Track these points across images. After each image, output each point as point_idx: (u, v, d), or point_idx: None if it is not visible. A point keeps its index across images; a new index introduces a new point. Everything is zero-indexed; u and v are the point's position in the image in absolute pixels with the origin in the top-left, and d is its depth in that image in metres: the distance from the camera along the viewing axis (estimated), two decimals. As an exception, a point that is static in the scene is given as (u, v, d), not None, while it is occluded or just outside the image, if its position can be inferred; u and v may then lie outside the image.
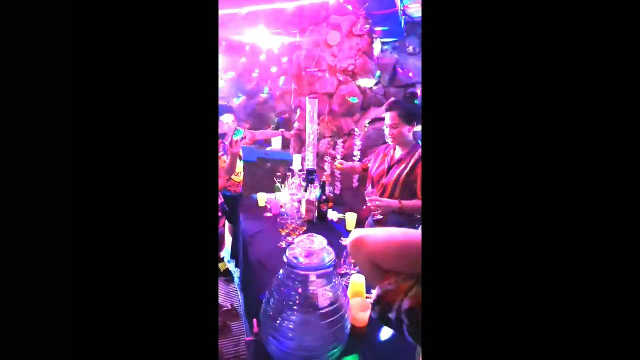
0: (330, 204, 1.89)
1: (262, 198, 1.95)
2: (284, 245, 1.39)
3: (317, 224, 1.73)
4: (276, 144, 3.65)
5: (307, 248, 0.78)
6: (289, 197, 1.88)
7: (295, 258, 0.77)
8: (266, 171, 3.74)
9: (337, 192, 2.45)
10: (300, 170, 1.93)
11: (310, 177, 1.76)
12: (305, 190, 1.95)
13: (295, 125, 2.71)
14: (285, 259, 0.77)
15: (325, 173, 2.09)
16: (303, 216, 1.68)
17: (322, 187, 1.76)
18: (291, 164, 1.86)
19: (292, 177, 1.93)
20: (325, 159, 2.42)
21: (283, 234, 1.44)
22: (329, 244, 0.82)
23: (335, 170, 1.95)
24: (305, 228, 1.47)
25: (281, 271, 0.79)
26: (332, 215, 1.84)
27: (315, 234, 0.84)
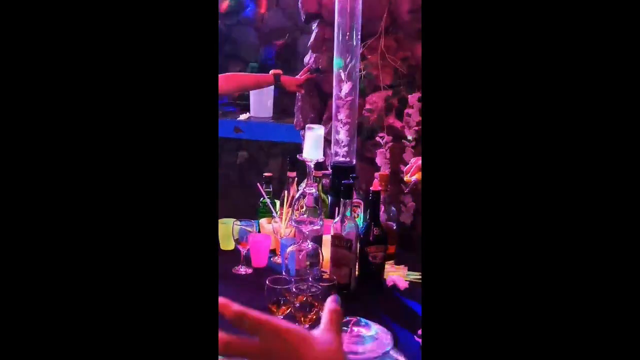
0: (392, 249, 1.91)
1: (226, 233, 1.95)
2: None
3: (361, 293, 1.72)
4: (260, 107, 3.69)
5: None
6: (290, 230, 1.90)
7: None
8: (238, 170, 3.82)
9: (406, 220, 2.44)
10: (318, 167, 1.92)
11: (344, 183, 1.74)
12: (332, 215, 1.92)
13: (307, 60, 2.72)
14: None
15: (379, 173, 2.10)
16: (327, 275, 1.65)
17: (372, 206, 1.77)
18: (299, 153, 1.83)
19: (297, 185, 1.94)
20: (378, 138, 2.40)
21: (278, 316, 1.43)
22: (396, 344, 0.79)
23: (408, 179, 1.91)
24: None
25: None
26: (393, 270, 1.83)
27: (360, 319, 0.84)
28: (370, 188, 1.77)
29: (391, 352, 0.80)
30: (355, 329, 0.83)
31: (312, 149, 1.60)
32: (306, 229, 1.62)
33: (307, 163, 1.63)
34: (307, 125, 1.62)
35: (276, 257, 1.97)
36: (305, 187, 1.65)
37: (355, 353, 0.79)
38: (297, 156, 1.67)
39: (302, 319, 1.40)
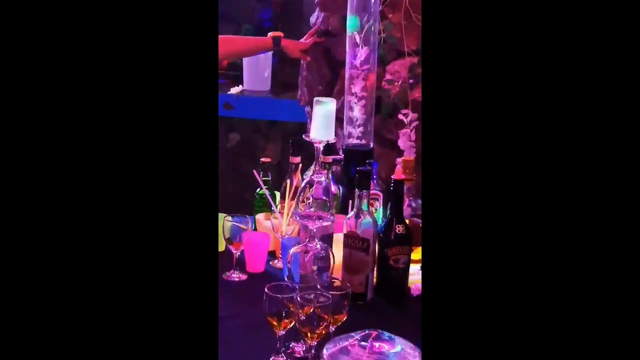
0: (417, 251, 1.90)
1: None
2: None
3: (380, 304, 1.73)
4: (255, 79, 3.69)
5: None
6: (292, 227, 1.92)
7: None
8: (228, 156, 3.81)
9: None
10: (327, 152, 1.94)
11: (360, 170, 1.75)
12: (344, 210, 1.96)
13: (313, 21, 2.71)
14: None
15: (402, 159, 2.11)
16: (338, 282, 1.65)
17: (394, 198, 1.79)
18: (304, 134, 1.83)
19: (302, 173, 1.96)
20: (401, 115, 2.39)
21: (279, 331, 1.46)
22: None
23: None
24: (344, 316, 1.47)
25: None
26: (419, 277, 1.79)
27: (383, 333, 0.84)
28: (392, 176, 1.77)
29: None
30: (377, 344, 0.84)
31: (321, 128, 1.60)
32: (313, 225, 1.62)
33: (314, 145, 1.63)
34: (315, 99, 1.62)
35: (276, 261, 1.98)
36: (312, 175, 1.65)
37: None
38: (303, 136, 1.67)
39: (309, 334, 1.41)
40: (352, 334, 0.91)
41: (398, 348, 0.85)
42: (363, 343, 0.87)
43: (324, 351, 0.87)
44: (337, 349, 0.86)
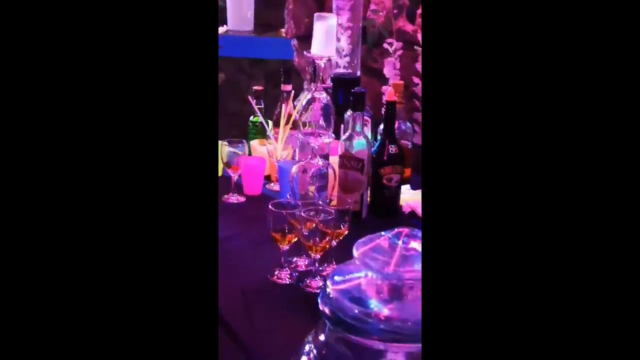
0: (407, 171, 1.91)
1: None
2: (288, 280, 1.45)
3: (375, 221, 1.70)
4: (238, 19, 3.61)
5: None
6: (287, 152, 1.87)
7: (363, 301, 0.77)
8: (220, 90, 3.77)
9: (420, 142, 2.36)
10: (314, 78, 1.83)
11: (354, 92, 1.68)
12: (336, 133, 1.86)
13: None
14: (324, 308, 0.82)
15: (392, 83, 2.04)
16: (333, 201, 1.64)
17: (387, 120, 1.74)
18: (289, 66, 1.74)
19: (293, 101, 1.89)
20: (386, 45, 2.32)
21: (283, 246, 1.43)
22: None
23: None
24: (346, 231, 1.45)
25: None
26: (410, 196, 1.83)
27: (414, 230, 0.87)
28: (384, 98, 1.73)
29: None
30: (411, 242, 0.77)
31: (322, 44, 1.52)
32: (316, 141, 1.57)
33: (315, 62, 1.56)
34: (315, 14, 1.54)
35: (272, 184, 1.95)
36: (314, 92, 1.58)
37: (412, 271, 0.73)
38: (305, 52, 1.59)
39: (313, 248, 1.40)
40: (382, 232, 0.84)
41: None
42: (396, 241, 0.79)
43: (354, 250, 0.79)
44: (369, 247, 0.78)
